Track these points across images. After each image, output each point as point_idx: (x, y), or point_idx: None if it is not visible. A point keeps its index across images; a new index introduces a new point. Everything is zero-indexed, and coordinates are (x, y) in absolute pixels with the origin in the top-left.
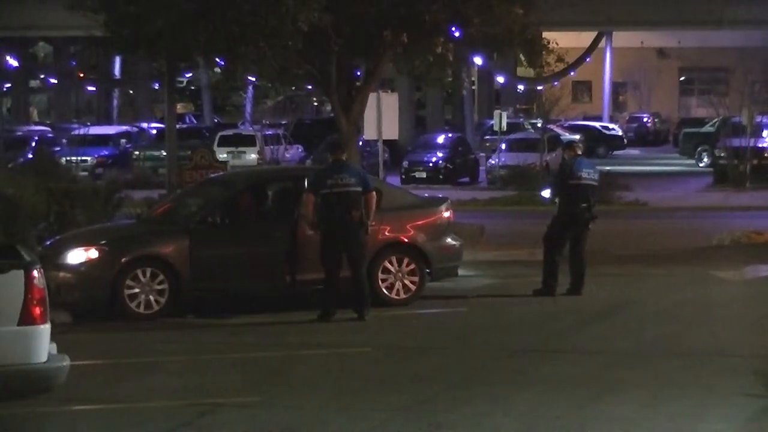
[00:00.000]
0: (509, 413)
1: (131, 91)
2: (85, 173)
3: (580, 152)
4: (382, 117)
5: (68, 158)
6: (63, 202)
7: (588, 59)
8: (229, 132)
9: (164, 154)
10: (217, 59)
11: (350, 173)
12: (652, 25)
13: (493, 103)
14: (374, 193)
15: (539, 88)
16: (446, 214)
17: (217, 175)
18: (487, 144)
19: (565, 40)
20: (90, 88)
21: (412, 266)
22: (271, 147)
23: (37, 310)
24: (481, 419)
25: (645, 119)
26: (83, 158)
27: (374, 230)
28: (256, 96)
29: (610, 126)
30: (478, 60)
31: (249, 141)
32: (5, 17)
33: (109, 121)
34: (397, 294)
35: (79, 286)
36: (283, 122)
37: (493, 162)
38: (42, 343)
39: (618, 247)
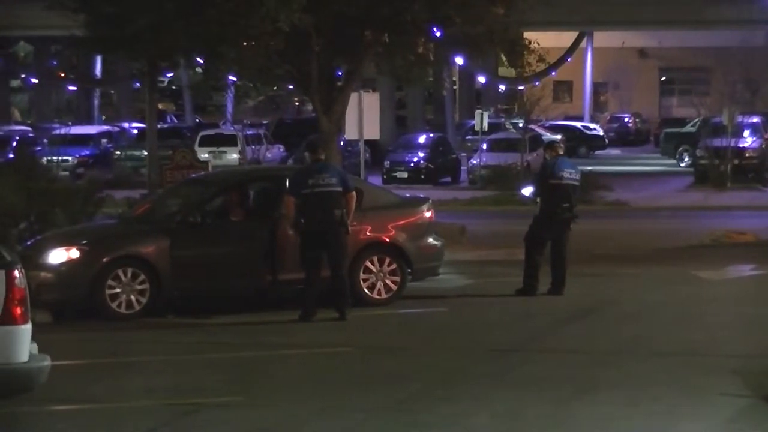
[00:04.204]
0: (489, 412)
1: (112, 91)
2: (66, 173)
3: (561, 152)
4: (363, 117)
5: (49, 158)
6: (44, 202)
7: (569, 59)
8: (211, 132)
9: (145, 153)
10: (197, 59)
11: (331, 173)
12: (633, 25)
13: (474, 103)
14: (354, 192)
15: (520, 88)
16: (427, 214)
17: (198, 174)
18: (468, 144)
19: (546, 40)
20: (71, 88)
21: (394, 266)
22: (253, 147)
23: (18, 310)
24: (461, 419)
25: (626, 119)
26: (64, 158)
27: (355, 230)
28: (237, 96)
29: (591, 126)
30: (459, 60)
31: (230, 141)
32: None
33: (89, 121)
34: (378, 294)
35: (60, 286)
36: (265, 122)
37: (474, 162)
38: (23, 343)
39: (599, 247)
